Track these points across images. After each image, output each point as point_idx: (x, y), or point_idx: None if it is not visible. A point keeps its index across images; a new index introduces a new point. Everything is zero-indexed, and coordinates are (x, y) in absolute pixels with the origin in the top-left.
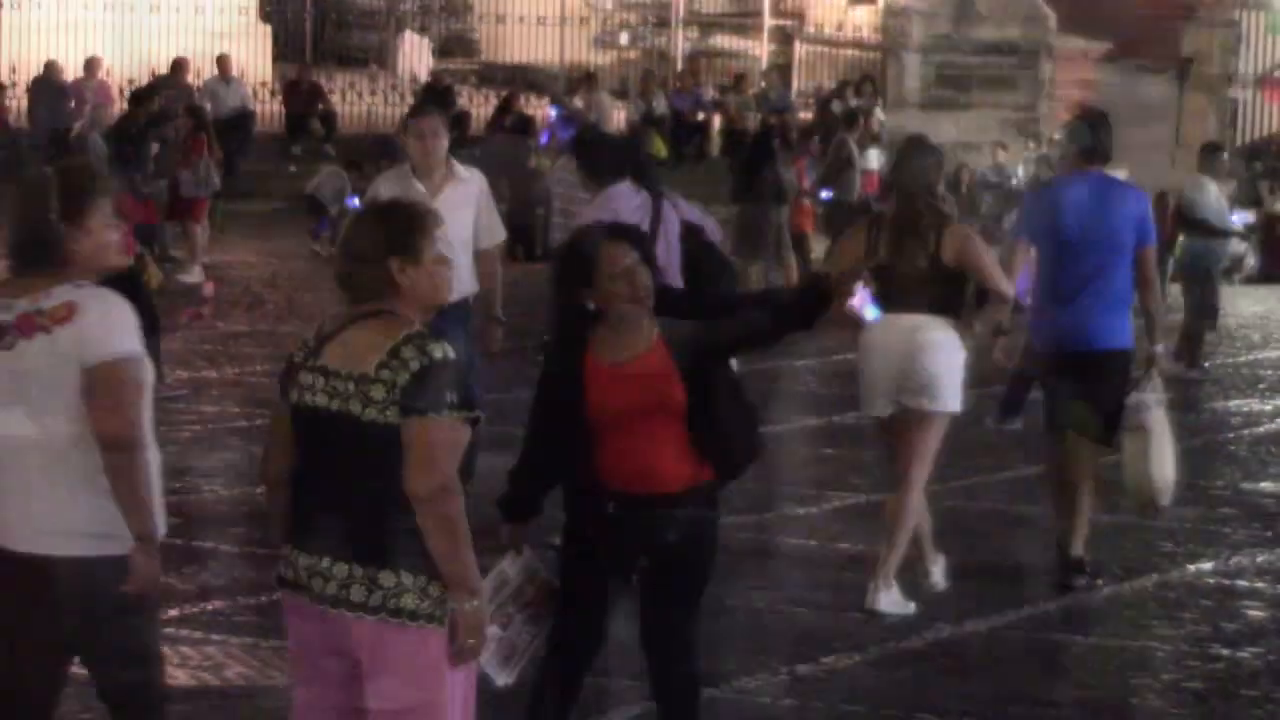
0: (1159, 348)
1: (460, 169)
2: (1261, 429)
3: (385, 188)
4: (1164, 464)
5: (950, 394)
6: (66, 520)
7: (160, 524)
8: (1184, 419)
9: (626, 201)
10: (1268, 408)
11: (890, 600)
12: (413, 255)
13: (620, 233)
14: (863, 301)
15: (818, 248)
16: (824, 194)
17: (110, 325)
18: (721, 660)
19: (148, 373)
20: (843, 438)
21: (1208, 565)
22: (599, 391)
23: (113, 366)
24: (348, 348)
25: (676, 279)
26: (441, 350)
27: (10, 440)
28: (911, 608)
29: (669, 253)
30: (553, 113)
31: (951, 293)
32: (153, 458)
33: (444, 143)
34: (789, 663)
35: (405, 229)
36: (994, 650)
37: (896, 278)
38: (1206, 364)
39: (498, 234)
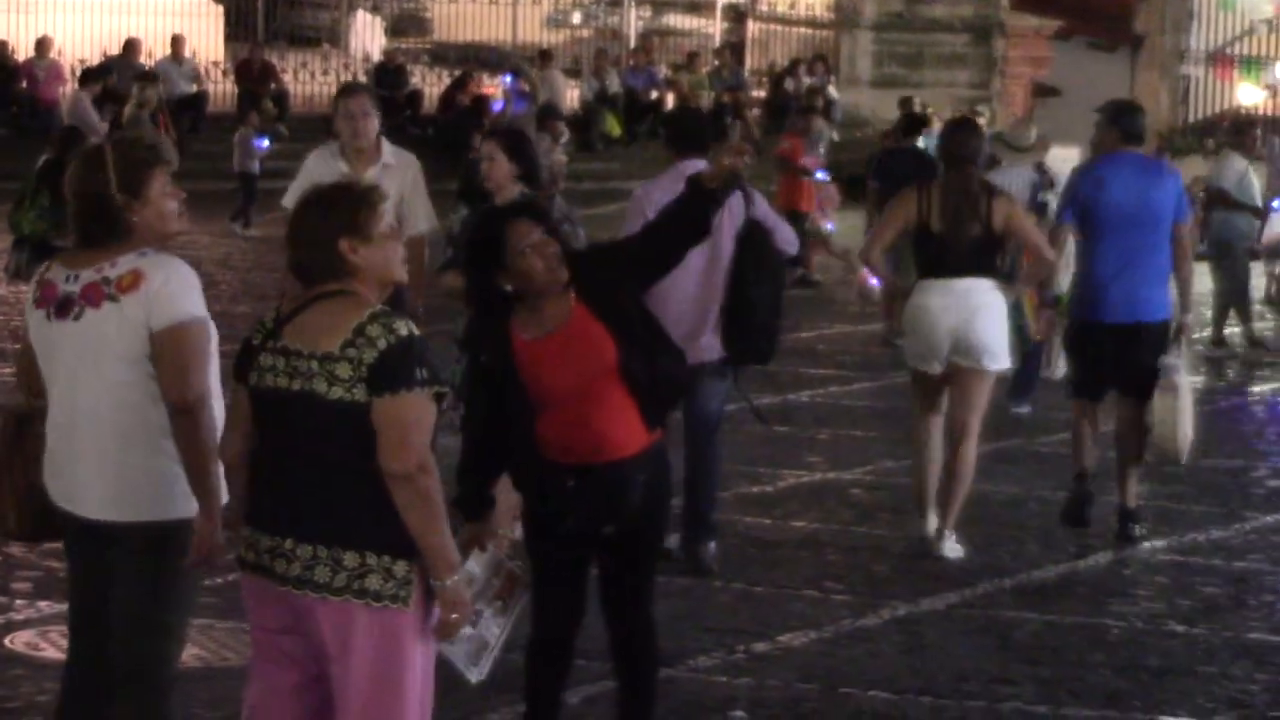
0: (1188, 316)
1: (389, 151)
2: (1216, 406)
3: (310, 166)
4: (1185, 422)
5: (1002, 353)
6: (132, 487)
7: (224, 489)
8: None
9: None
10: (1221, 384)
11: (953, 547)
12: (362, 234)
13: (521, 210)
14: (867, 278)
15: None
16: (820, 174)
17: (175, 290)
18: (677, 639)
19: (213, 336)
20: (797, 416)
21: (1162, 542)
22: (534, 369)
23: (179, 330)
24: (308, 328)
25: (720, 274)
26: (407, 327)
27: (80, 408)
28: (961, 554)
29: (719, 244)
30: (508, 79)
31: (997, 258)
32: (220, 417)
33: (374, 123)
34: (745, 641)
35: (351, 209)
36: (950, 628)
37: (950, 244)
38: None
39: (423, 221)
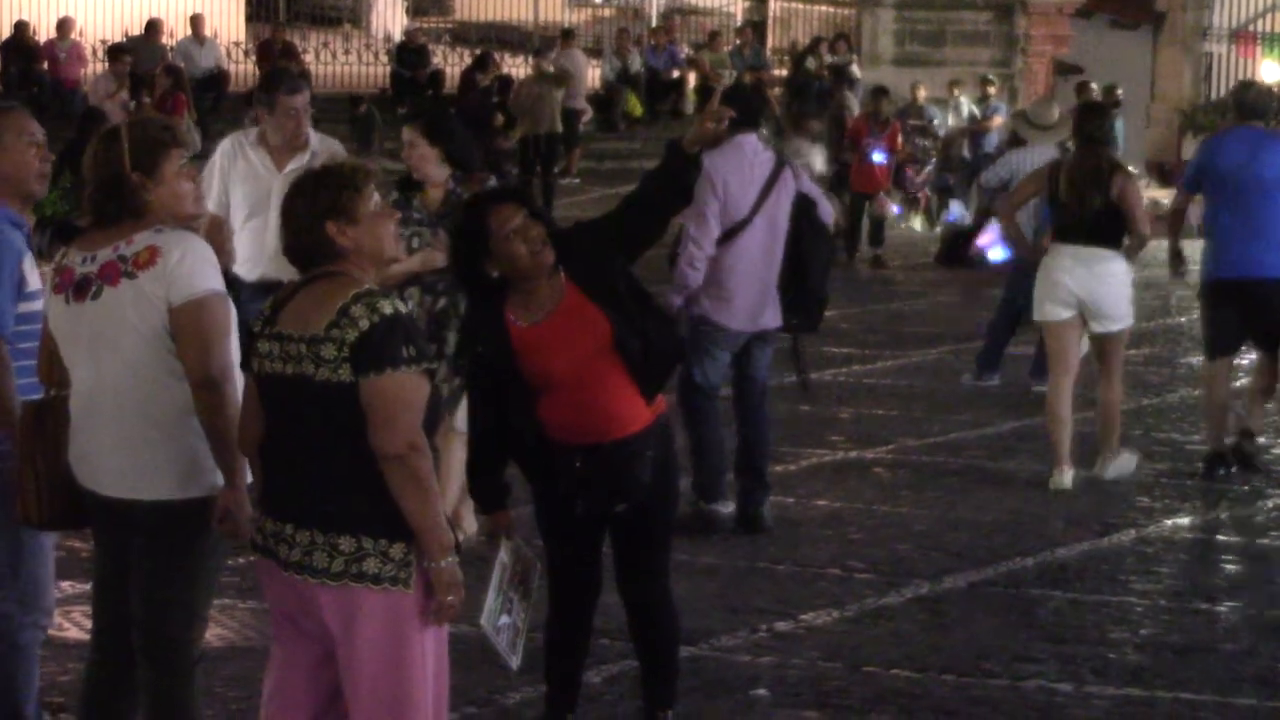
0: None
1: (315, 140)
2: (1238, 384)
3: (221, 163)
4: None
5: (1127, 312)
6: (153, 465)
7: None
8: (1162, 374)
9: (752, 152)
10: (1244, 362)
11: (1117, 466)
12: (348, 215)
13: (504, 195)
14: (991, 241)
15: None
16: (876, 155)
17: (193, 265)
18: (701, 618)
19: (232, 310)
20: (820, 394)
21: (1185, 520)
22: (532, 355)
23: (198, 304)
24: (299, 312)
25: (779, 246)
26: (392, 306)
27: (102, 387)
28: (1134, 463)
29: (776, 219)
30: None
31: (1120, 226)
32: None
33: (308, 119)
34: (768, 620)
35: (336, 191)
36: (972, 606)
37: (1075, 213)
38: None
39: None
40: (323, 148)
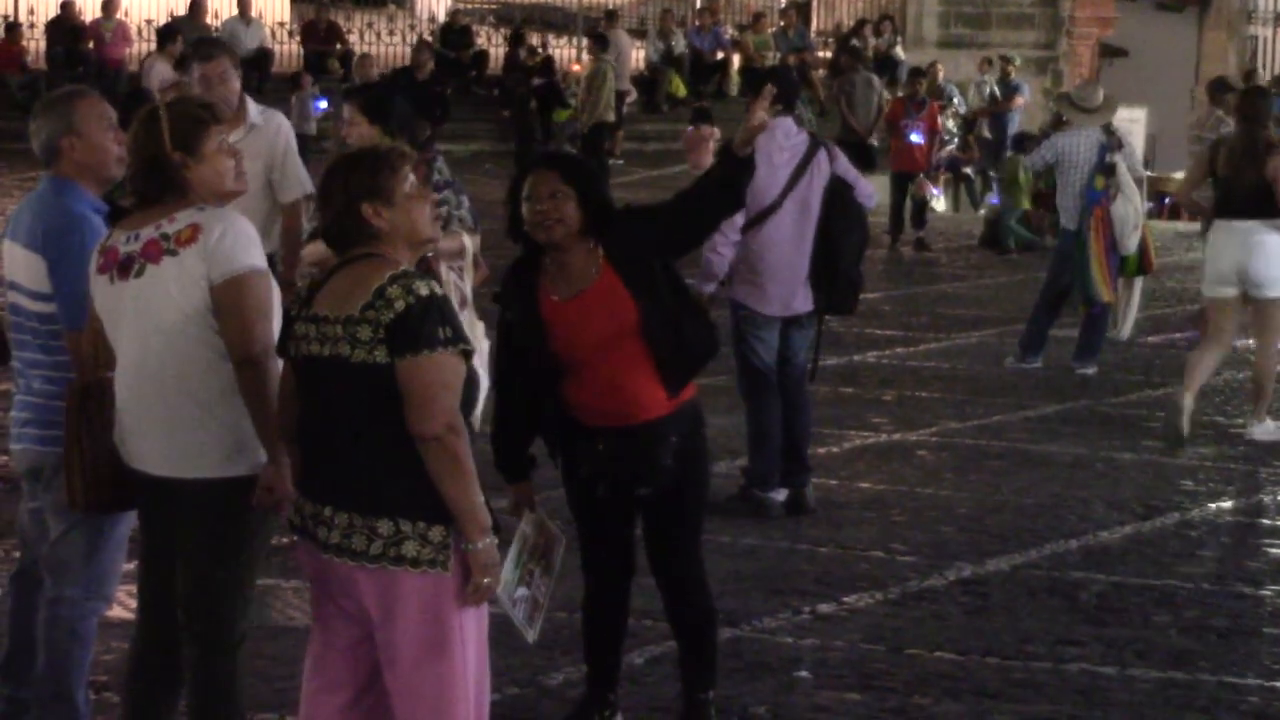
0: None
1: (255, 112)
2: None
3: None
4: None
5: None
6: (197, 443)
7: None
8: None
9: (784, 134)
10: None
11: (1264, 431)
12: (384, 197)
13: (551, 160)
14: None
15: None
16: (914, 136)
17: (233, 242)
18: (743, 600)
19: (275, 287)
20: (863, 377)
21: (1229, 503)
22: (560, 329)
23: (240, 281)
24: (335, 294)
25: (811, 229)
26: (428, 287)
27: (145, 365)
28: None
29: (808, 202)
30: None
31: (1273, 201)
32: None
33: (235, 86)
34: (811, 602)
35: (371, 172)
36: (1015, 589)
37: (1232, 189)
38: None
39: (296, 187)
40: (265, 121)
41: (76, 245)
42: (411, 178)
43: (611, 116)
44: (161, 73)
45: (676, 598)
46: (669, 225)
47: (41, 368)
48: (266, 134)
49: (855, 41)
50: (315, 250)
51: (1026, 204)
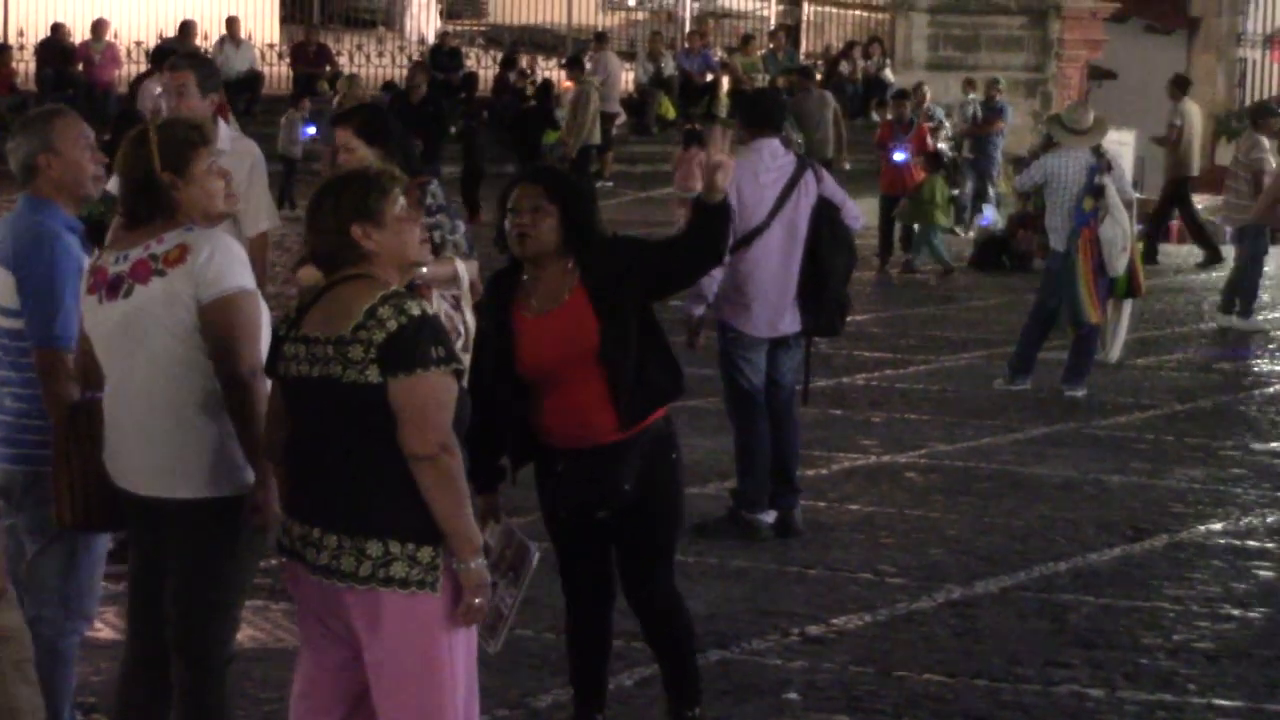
0: None
1: (226, 138)
2: (1272, 389)
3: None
4: None
5: None
6: (184, 463)
7: None
8: (1196, 378)
9: (771, 156)
10: (1278, 368)
11: None
12: (373, 219)
13: (539, 174)
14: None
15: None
16: (897, 154)
17: (222, 262)
18: (732, 622)
19: (263, 308)
20: (852, 398)
21: (1218, 526)
22: (527, 344)
23: (228, 302)
24: (325, 314)
25: (798, 250)
26: (419, 307)
27: (133, 385)
28: None
29: (795, 223)
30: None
31: None
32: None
33: (194, 103)
34: (799, 624)
35: (360, 194)
36: (1004, 611)
37: None
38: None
39: (264, 219)
40: (235, 148)
41: (45, 262)
42: (402, 200)
43: (598, 138)
44: (157, 95)
45: (651, 621)
46: (651, 264)
47: (11, 385)
48: (235, 161)
49: (844, 64)
50: (309, 273)
51: (944, 222)
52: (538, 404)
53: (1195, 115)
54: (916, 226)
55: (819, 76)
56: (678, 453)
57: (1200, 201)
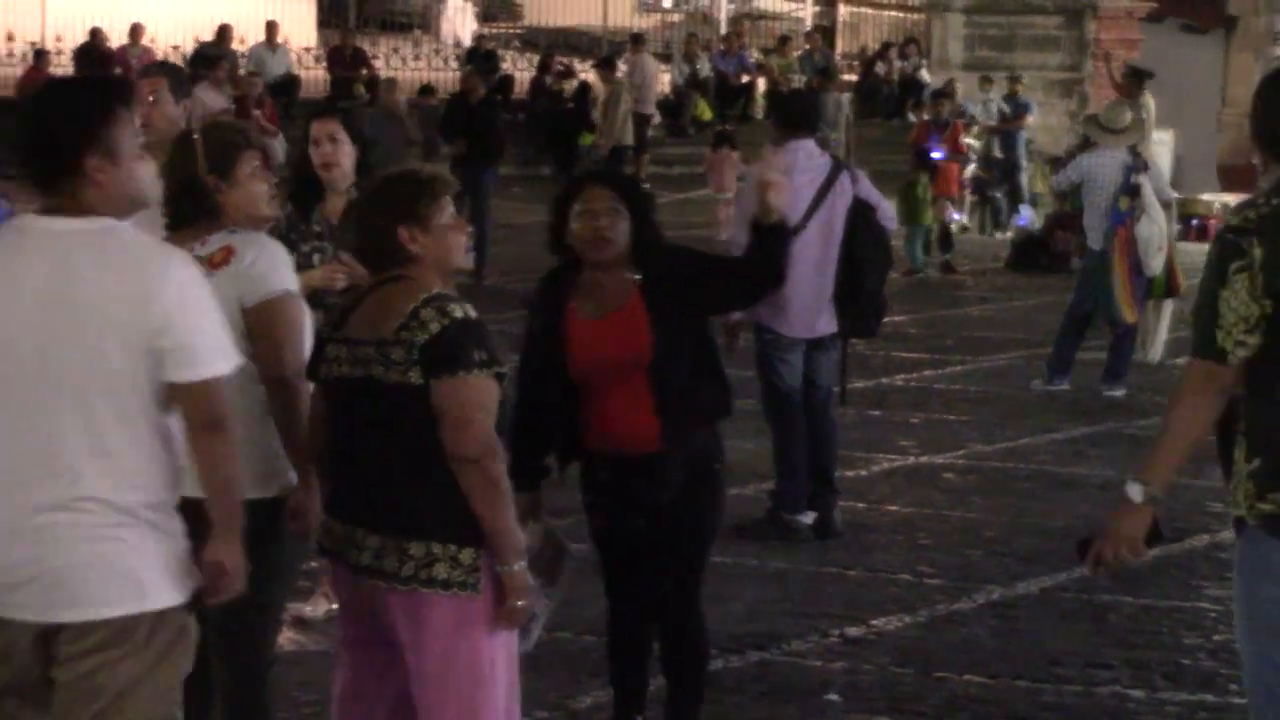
0: None
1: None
2: None
3: None
4: None
5: None
6: None
7: None
8: None
9: (806, 157)
10: None
11: None
12: (420, 222)
13: (606, 176)
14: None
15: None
16: (934, 153)
17: (266, 265)
18: (771, 623)
19: (306, 310)
20: (890, 399)
21: None
22: (578, 347)
23: (272, 305)
24: (368, 315)
25: (834, 251)
26: (462, 310)
27: None
28: None
29: (831, 224)
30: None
31: None
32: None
33: (167, 110)
34: (839, 625)
35: (411, 196)
36: (1044, 611)
37: None
38: None
39: None
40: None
41: None
42: (451, 208)
43: (630, 139)
44: (210, 101)
45: (668, 633)
46: (713, 282)
47: None
48: None
49: (880, 65)
50: (311, 277)
51: (927, 220)
52: (583, 407)
53: (1153, 108)
54: (1017, 228)
55: (855, 78)
56: (720, 463)
57: (1234, 199)
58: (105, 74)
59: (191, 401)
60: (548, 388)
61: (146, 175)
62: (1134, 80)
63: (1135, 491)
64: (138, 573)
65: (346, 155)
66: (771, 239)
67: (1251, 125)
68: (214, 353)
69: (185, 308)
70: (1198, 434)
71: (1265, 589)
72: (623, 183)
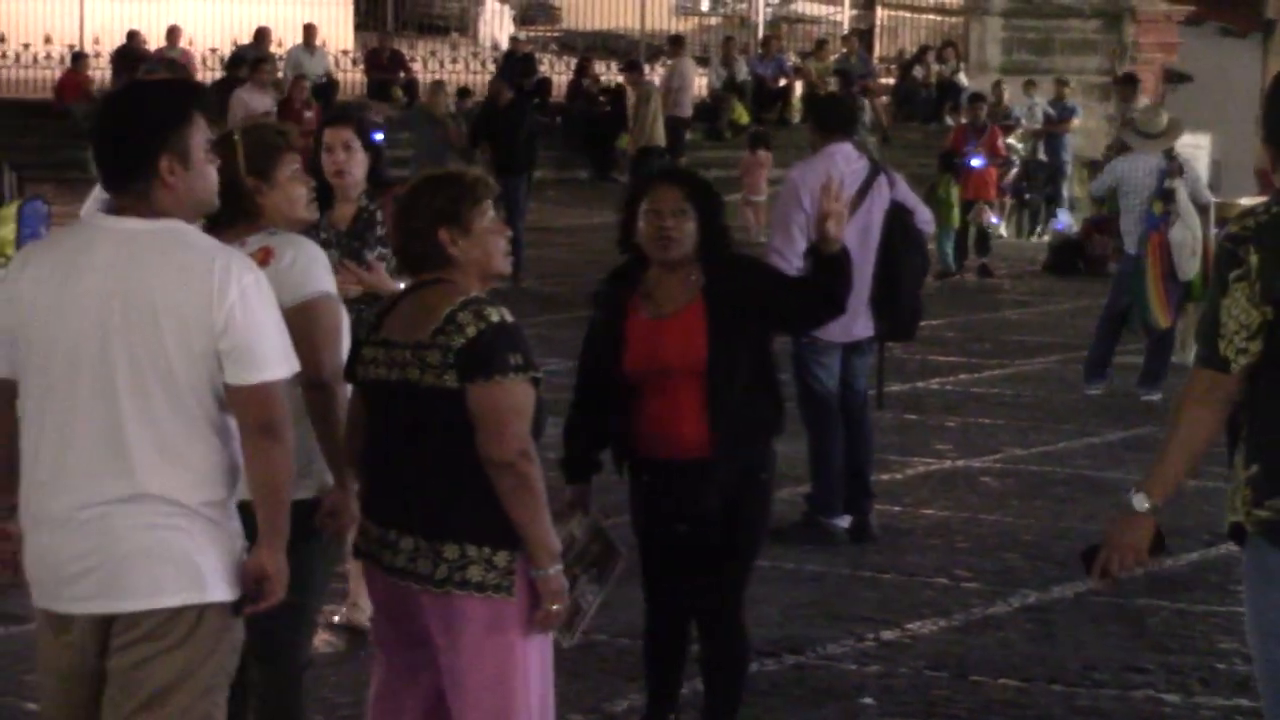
0: None
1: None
2: None
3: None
4: None
5: None
6: None
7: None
8: None
9: (844, 160)
10: None
11: None
12: (461, 225)
13: (677, 176)
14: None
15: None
16: (974, 160)
17: (304, 267)
18: (807, 627)
19: (344, 313)
20: (927, 403)
21: None
22: (635, 346)
23: (311, 306)
24: (405, 318)
25: (872, 254)
26: (499, 314)
27: None
28: None
29: (869, 228)
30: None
31: None
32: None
33: None
34: (874, 629)
35: (453, 199)
36: (1080, 616)
37: None
38: None
39: None
40: None
41: None
42: (492, 212)
43: (661, 140)
44: (254, 103)
45: (708, 638)
46: (776, 299)
47: None
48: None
49: (918, 68)
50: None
51: (955, 223)
52: (637, 409)
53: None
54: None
55: (892, 81)
56: (769, 473)
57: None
58: (184, 78)
59: (248, 404)
60: (604, 383)
61: (214, 179)
62: (1126, 84)
63: (1139, 501)
64: (196, 562)
65: (359, 164)
66: (831, 268)
67: (1262, 127)
68: (273, 356)
69: (247, 311)
70: (1201, 443)
71: (1270, 596)
72: (693, 183)
